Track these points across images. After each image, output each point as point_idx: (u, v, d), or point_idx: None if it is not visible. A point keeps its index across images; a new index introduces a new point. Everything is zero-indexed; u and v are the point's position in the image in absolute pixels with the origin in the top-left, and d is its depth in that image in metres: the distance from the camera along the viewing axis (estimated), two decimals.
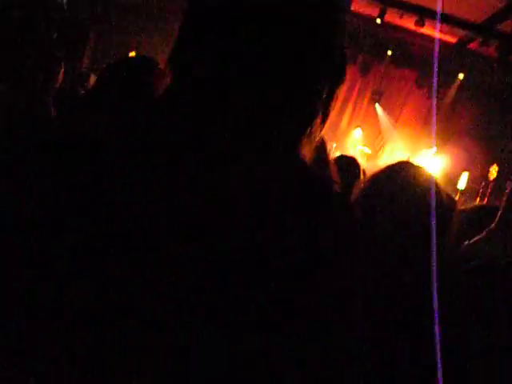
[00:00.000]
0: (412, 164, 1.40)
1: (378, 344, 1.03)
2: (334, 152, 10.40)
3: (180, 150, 0.59)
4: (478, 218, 1.75)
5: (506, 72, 8.77)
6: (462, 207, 1.86)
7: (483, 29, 8.37)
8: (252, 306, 0.57)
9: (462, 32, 8.95)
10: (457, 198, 9.39)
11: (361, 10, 9.16)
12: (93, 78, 8.76)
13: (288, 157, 0.64)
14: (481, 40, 8.52)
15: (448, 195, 1.37)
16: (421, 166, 1.39)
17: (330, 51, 0.65)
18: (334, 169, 1.54)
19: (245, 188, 0.59)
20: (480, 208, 1.85)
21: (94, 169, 0.59)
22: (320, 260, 0.60)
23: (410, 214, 1.22)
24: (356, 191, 1.39)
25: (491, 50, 8.52)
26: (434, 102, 9.62)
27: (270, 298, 0.57)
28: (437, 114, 10.17)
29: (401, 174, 1.33)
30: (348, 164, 2.72)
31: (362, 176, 2.73)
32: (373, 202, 1.30)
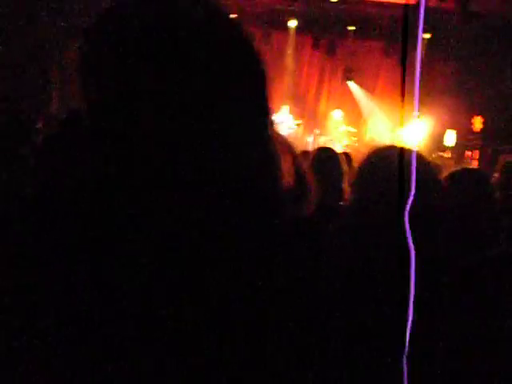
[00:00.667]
0: (394, 147, 1.39)
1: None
2: (318, 138, 10.45)
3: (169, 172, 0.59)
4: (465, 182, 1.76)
5: (468, 22, 8.83)
6: (451, 170, 1.86)
7: None
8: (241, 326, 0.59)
9: None
10: (446, 154, 9.45)
11: None
12: None
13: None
14: None
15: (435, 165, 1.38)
16: (403, 145, 1.38)
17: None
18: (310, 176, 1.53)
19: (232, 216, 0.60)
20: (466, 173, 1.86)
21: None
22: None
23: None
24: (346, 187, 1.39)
25: (450, 5, 8.57)
26: (419, 65, 9.64)
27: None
28: (412, 78, 10.19)
29: (386, 161, 1.32)
30: (328, 160, 2.60)
31: (346, 168, 2.62)
32: (366, 198, 1.28)
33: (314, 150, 3.07)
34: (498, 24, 9.23)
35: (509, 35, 9.19)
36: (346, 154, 3.63)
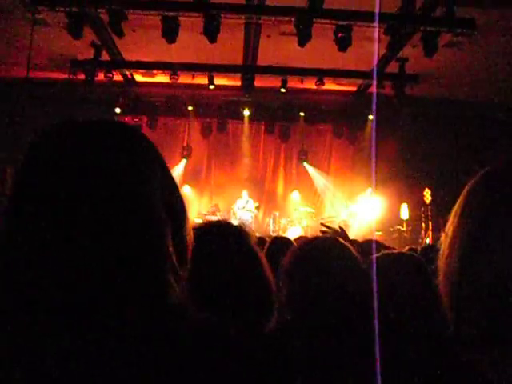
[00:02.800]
0: (329, 240, 1.48)
1: None
2: (279, 220, 10.61)
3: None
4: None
5: (406, 103, 9.62)
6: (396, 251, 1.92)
7: (376, 74, 9.23)
8: None
9: (358, 81, 9.82)
10: (403, 228, 9.76)
11: (264, 85, 9.83)
12: (10, 171, 8.18)
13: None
14: (376, 84, 9.36)
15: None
16: (336, 240, 1.48)
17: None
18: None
19: None
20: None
21: None
22: None
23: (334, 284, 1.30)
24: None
25: (387, 89, 9.35)
26: (374, 150, 10.24)
27: None
28: (362, 156, 10.77)
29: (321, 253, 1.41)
30: (283, 248, 2.63)
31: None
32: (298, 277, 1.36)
33: (269, 239, 3.10)
34: (431, 103, 10.12)
35: (442, 116, 10.06)
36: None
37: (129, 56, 9.15)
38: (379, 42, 7.59)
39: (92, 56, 8.59)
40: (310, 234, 9.51)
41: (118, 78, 9.69)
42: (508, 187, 0.65)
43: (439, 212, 9.02)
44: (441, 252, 0.71)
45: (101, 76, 9.20)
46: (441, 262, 0.70)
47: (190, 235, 0.74)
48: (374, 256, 1.35)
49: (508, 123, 9.45)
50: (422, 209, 9.64)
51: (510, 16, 6.91)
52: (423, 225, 9.59)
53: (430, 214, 9.44)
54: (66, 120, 0.72)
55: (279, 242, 2.73)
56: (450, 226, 0.71)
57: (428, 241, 9.06)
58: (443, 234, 0.73)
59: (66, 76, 9.18)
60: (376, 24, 7.08)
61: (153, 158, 0.73)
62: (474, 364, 0.62)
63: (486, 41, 7.71)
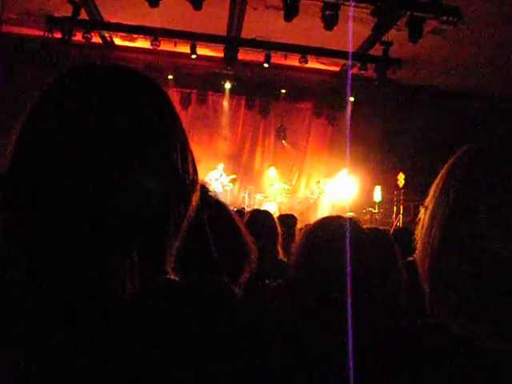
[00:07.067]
0: (335, 217, 1.48)
1: None
2: (255, 195, 10.64)
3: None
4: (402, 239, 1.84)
5: (387, 87, 9.66)
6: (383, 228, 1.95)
7: (359, 56, 9.22)
8: None
9: (342, 61, 9.78)
10: (375, 210, 9.93)
11: (247, 59, 9.69)
12: None
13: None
14: (359, 65, 9.35)
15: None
16: (342, 216, 1.47)
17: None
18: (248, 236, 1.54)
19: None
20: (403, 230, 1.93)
21: None
22: None
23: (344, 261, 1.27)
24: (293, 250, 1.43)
25: (370, 72, 9.36)
26: (348, 128, 10.30)
27: None
28: (340, 137, 10.83)
29: (330, 230, 1.38)
30: (264, 221, 2.61)
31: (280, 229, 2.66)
32: (311, 262, 1.34)
33: (249, 211, 3.09)
34: (411, 89, 10.19)
35: (420, 102, 10.16)
36: (290, 216, 3.73)
37: (109, 17, 8.83)
38: (363, 22, 7.54)
39: (70, 14, 8.26)
40: (284, 210, 9.59)
41: (96, 39, 9.37)
42: (491, 162, 0.67)
43: (411, 196, 9.21)
44: (419, 226, 0.72)
45: (78, 36, 8.88)
46: (420, 235, 0.72)
47: (193, 206, 0.71)
48: (349, 232, 1.36)
49: (485, 113, 9.63)
50: (395, 192, 9.82)
51: (495, 7, 6.95)
52: (395, 208, 9.78)
53: (402, 197, 9.63)
54: (88, 63, 0.67)
55: (259, 214, 2.74)
56: (431, 199, 0.72)
57: (398, 224, 9.26)
58: (422, 208, 0.74)
59: (42, 34, 8.83)
60: (364, 4, 7.02)
61: (176, 115, 0.70)
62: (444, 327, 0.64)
63: (470, 30, 7.75)
